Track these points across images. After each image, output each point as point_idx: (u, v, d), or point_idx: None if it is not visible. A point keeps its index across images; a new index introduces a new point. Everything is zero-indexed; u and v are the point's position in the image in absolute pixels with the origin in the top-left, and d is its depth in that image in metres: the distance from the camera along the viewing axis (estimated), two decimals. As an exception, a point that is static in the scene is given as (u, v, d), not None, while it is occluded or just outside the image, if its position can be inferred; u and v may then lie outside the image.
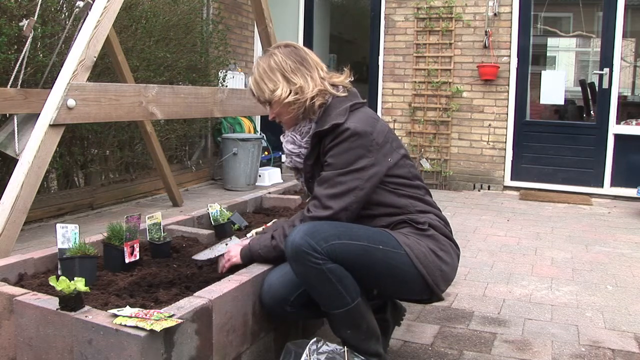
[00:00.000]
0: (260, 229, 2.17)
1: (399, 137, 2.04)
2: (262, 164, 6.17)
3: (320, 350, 1.64)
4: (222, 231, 2.36)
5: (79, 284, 1.41)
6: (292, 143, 1.86)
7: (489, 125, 5.91)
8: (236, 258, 1.86)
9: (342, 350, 1.66)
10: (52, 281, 1.43)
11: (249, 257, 1.84)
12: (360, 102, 1.82)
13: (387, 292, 1.87)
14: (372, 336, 1.72)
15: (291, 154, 1.88)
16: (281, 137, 1.94)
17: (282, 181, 6.01)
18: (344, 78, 1.86)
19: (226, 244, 1.98)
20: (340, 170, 1.69)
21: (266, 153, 6.38)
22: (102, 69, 4.31)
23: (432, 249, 1.72)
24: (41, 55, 3.80)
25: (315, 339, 1.67)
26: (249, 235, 2.12)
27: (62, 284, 1.41)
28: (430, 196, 1.88)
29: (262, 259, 1.82)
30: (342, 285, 1.61)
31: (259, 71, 1.83)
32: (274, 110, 1.85)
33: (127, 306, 1.45)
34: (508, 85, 5.82)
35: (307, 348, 1.63)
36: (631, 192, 5.37)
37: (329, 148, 1.72)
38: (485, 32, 5.75)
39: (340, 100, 1.80)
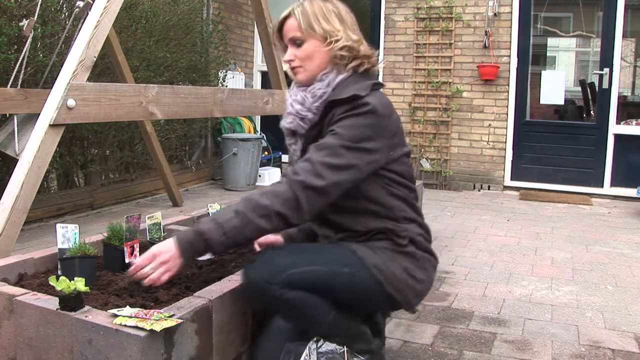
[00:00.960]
0: None
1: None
2: (262, 164, 6.17)
3: (320, 350, 1.64)
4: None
5: (79, 284, 1.41)
6: (301, 104, 1.67)
7: (489, 125, 5.91)
8: (173, 269, 1.47)
9: (342, 350, 1.66)
10: (52, 281, 1.43)
11: (199, 251, 1.50)
12: (380, 83, 1.69)
13: (358, 310, 1.72)
14: (361, 338, 1.68)
15: (297, 116, 1.68)
16: (287, 92, 1.76)
17: (282, 181, 6.00)
18: (381, 65, 1.79)
19: None
20: (345, 142, 1.52)
21: (266, 153, 6.38)
22: (102, 69, 4.31)
23: (406, 268, 1.61)
24: (41, 55, 3.80)
25: (315, 338, 1.67)
26: None
27: (62, 284, 1.41)
28: (417, 201, 1.76)
29: (224, 247, 1.51)
30: (310, 308, 1.54)
31: (314, 7, 1.65)
32: (304, 53, 1.65)
33: (127, 306, 1.45)
34: (508, 85, 5.82)
35: (307, 348, 1.63)
36: (631, 192, 5.37)
37: (340, 118, 1.56)
38: (485, 32, 5.75)
39: (363, 76, 1.67)
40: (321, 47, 1.64)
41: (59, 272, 1.79)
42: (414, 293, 1.64)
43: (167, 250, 1.47)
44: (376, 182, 1.62)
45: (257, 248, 1.89)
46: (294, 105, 1.68)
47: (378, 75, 1.81)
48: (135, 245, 1.91)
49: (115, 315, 1.36)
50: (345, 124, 1.55)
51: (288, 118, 1.71)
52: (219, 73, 5.95)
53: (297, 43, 1.66)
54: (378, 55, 1.75)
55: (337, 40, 1.62)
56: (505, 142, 5.89)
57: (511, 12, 5.73)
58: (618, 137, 5.57)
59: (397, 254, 1.61)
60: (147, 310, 1.41)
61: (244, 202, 1.50)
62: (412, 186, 1.71)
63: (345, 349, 1.66)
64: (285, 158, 6.48)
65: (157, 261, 1.46)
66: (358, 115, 1.54)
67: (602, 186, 5.63)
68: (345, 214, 1.64)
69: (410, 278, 1.61)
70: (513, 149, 5.93)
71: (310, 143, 1.61)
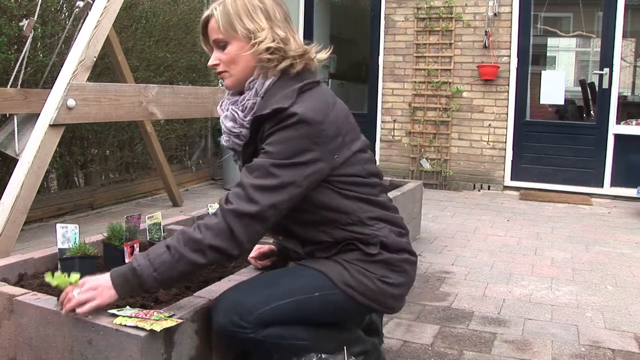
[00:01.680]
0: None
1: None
2: (262, 164, 6.16)
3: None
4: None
5: (73, 277, 1.41)
6: (233, 120, 1.53)
7: (489, 125, 5.91)
8: (100, 299, 1.37)
9: (339, 354, 1.65)
10: (47, 277, 1.42)
11: (134, 286, 1.39)
12: (312, 82, 1.51)
13: (340, 323, 1.66)
14: (354, 341, 1.66)
15: (230, 134, 1.55)
16: (218, 108, 1.62)
17: (282, 181, 5.99)
18: (324, 55, 1.58)
19: None
20: (277, 160, 1.40)
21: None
22: (102, 69, 4.32)
23: (382, 277, 1.53)
24: (41, 55, 3.81)
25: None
26: None
27: (58, 279, 1.40)
28: (386, 193, 1.64)
29: (158, 283, 1.40)
30: (288, 340, 1.48)
31: (237, 4, 1.48)
32: (228, 56, 1.51)
33: (127, 306, 1.45)
34: (508, 85, 5.81)
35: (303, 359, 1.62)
36: (631, 192, 5.37)
37: (268, 134, 1.43)
38: (485, 32, 5.75)
39: (292, 78, 1.50)
40: (245, 49, 1.49)
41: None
42: (394, 298, 1.57)
43: (98, 279, 1.40)
44: (328, 188, 1.50)
45: (254, 263, 1.82)
46: (226, 122, 1.56)
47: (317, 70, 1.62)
48: (135, 245, 1.91)
49: (115, 315, 1.36)
50: (274, 140, 1.41)
51: (224, 137, 1.59)
52: (219, 73, 5.95)
53: (221, 46, 1.52)
54: (321, 49, 1.59)
55: (260, 42, 1.47)
56: (505, 142, 5.89)
57: (511, 12, 5.73)
58: (618, 137, 5.57)
59: (369, 264, 1.52)
60: (147, 310, 1.42)
61: (177, 235, 1.41)
62: (374, 181, 1.59)
63: (345, 350, 1.65)
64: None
65: (86, 287, 1.38)
66: (286, 128, 1.40)
67: (602, 186, 5.62)
68: (306, 227, 1.55)
69: (386, 285, 1.54)
70: (513, 149, 5.93)
71: (249, 161, 1.48)
